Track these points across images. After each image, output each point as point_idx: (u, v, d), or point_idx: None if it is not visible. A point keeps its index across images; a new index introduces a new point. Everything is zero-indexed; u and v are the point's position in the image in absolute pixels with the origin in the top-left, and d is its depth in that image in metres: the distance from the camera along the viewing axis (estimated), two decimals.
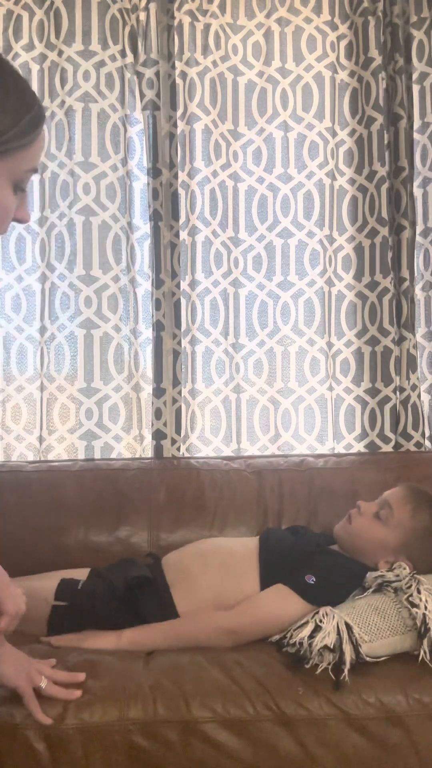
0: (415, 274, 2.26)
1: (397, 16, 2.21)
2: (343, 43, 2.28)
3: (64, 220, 2.16)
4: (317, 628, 1.35)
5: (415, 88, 2.28)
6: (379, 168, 2.21)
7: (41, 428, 2.16)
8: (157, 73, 2.19)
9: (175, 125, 2.18)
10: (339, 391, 2.27)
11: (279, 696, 1.27)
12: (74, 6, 2.15)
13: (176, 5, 2.17)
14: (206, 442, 2.22)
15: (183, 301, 2.17)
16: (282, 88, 2.26)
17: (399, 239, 2.23)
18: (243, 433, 2.23)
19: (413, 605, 1.39)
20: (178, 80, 2.18)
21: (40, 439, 2.16)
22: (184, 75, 2.19)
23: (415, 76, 2.27)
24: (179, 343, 2.16)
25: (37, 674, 1.22)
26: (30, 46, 2.17)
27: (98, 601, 1.52)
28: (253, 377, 2.25)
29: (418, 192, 2.28)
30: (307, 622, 1.37)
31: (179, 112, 2.18)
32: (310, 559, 1.57)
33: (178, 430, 2.15)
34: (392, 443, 2.20)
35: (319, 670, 1.30)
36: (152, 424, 2.16)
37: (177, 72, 2.18)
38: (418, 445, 2.18)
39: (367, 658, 1.34)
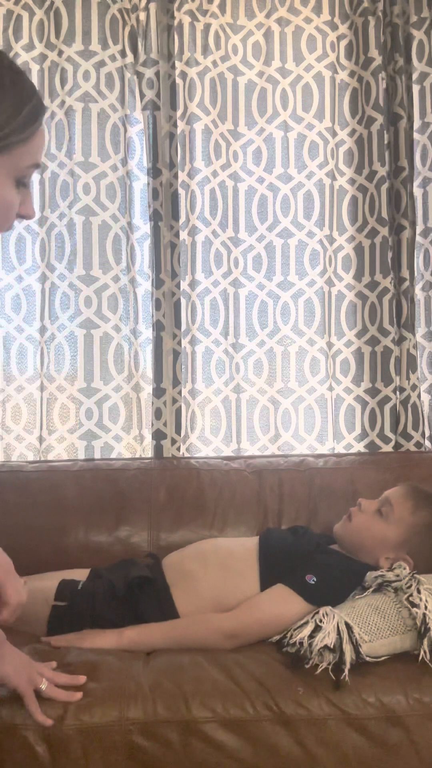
0: (415, 274, 2.26)
1: (397, 16, 2.22)
2: (343, 43, 2.28)
3: (64, 220, 2.16)
4: (317, 628, 1.35)
5: (415, 88, 2.28)
6: (379, 168, 2.21)
7: (41, 428, 2.16)
8: (157, 73, 2.19)
9: (175, 125, 2.18)
10: (339, 391, 2.27)
11: (279, 696, 1.27)
12: (74, 6, 2.15)
13: (176, 5, 2.17)
14: (206, 442, 2.22)
15: (183, 301, 2.17)
16: (282, 88, 2.26)
17: (399, 239, 2.23)
18: (243, 433, 2.23)
19: (413, 605, 1.39)
20: (178, 80, 2.18)
21: (40, 439, 2.16)
22: (184, 75, 2.19)
23: (415, 76, 2.27)
24: (179, 343, 2.16)
25: (38, 676, 1.22)
26: (30, 46, 2.17)
27: (98, 602, 1.52)
28: (253, 377, 2.25)
29: (418, 192, 2.28)
30: (307, 622, 1.37)
31: (179, 112, 2.18)
32: (310, 558, 1.57)
33: (178, 430, 2.15)
34: (392, 443, 2.20)
35: (319, 670, 1.30)
36: (152, 424, 2.16)
37: (177, 72, 2.18)
38: (418, 445, 2.18)
39: (367, 658, 1.34)
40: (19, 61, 2.14)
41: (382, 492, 1.71)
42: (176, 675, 1.30)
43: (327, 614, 1.38)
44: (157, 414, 2.16)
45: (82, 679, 1.27)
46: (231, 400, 2.23)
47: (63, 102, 2.16)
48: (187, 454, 2.18)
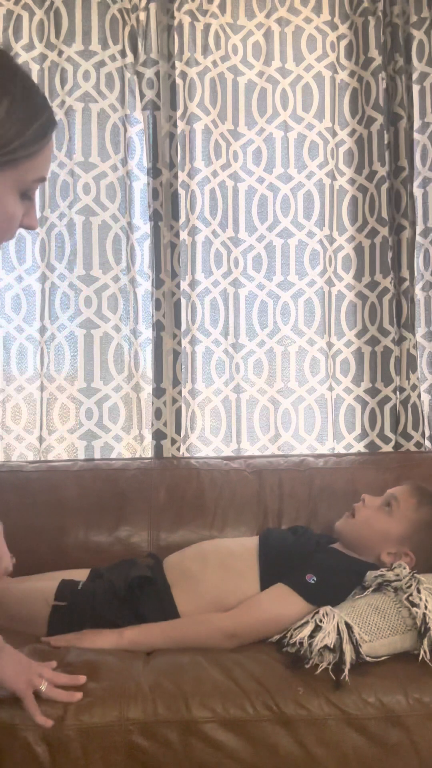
0: (415, 274, 2.26)
1: (397, 16, 2.21)
2: (343, 43, 2.28)
3: (64, 220, 2.16)
4: (317, 628, 1.35)
5: (415, 88, 2.28)
6: (379, 168, 2.21)
7: (41, 428, 2.16)
8: (157, 73, 2.19)
9: (175, 125, 2.18)
10: (339, 391, 2.27)
11: (279, 696, 1.27)
12: (74, 6, 2.15)
13: (176, 5, 2.17)
14: (206, 442, 2.22)
15: (183, 301, 2.17)
16: (282, 88, 2.26)
17: (399, 239, 2.23)
18: (243, 433, 2.23)
19: (413, 605, 1.39)
20: (178, 80, 2.18)
21: (40, 439, 2.16)
22: (184, 75, 2.19)
23: (415, 76, 2.27)
24: (179, 343, 2.16)
25: (37, 677, 1.22)
26: (30, 46, 2.17)
27: (98, 602, 1.52)
28: (253, 377, 2.25)
29: (418, 192, 2.28)
30: (307, 622, 1.38)
31: (179, 112, 2.18)
32: (310, 558, 1.57)
33: (178, 430, 2.15)
34: (392, 443, 2.20)
35: (319, 670, 1.30)
36: (152, 424, 2.16)
37: (177, 72, 2.18)
38: (418, 445, 2.18)
39: (367, 658, 1.34)
40: (19, 61, 2.14)
41: (383, 492, 1.72)
42: (176, 675, 1.30)
43: (327, 614, 1.38)
44: (157, 414, 2.16)
45: (82, 679, 1.27)
46: (231, 400, 2.23)
47: (63, 102, 2.16)
48: (187, 454, 2.18)
